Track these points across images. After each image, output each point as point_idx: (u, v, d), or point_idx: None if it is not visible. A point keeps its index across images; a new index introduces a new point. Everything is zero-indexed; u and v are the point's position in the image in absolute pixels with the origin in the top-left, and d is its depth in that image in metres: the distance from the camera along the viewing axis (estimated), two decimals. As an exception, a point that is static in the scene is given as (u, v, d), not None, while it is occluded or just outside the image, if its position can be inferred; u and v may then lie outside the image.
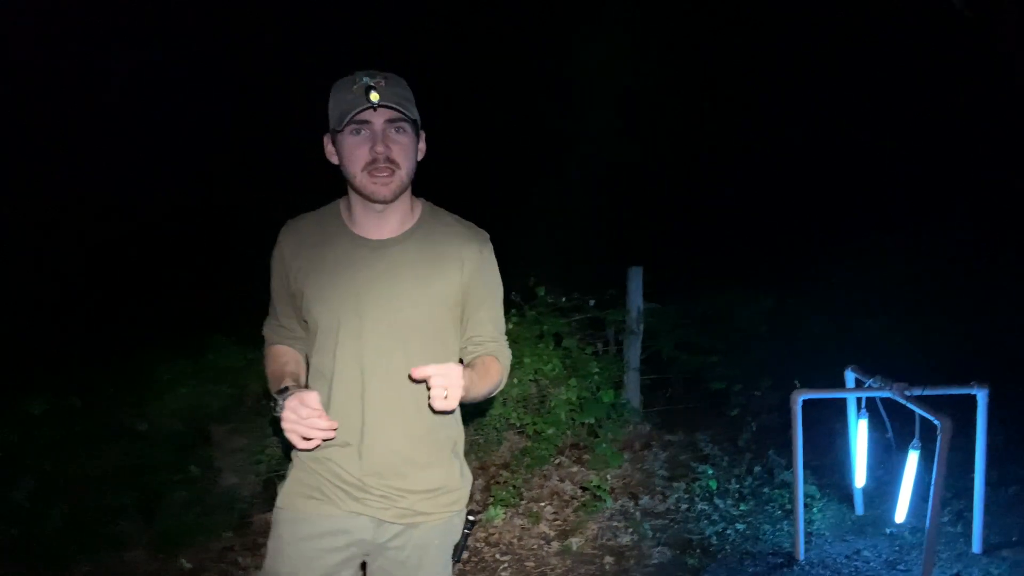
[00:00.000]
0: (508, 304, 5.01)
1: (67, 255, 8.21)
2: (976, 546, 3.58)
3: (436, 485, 1.76)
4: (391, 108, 1.61)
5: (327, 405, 1.68)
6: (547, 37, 9.98)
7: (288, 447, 1.67)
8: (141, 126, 9.47)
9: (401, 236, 1.73)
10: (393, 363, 1.68)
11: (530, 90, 9.94)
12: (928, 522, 3.10)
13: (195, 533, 3.81)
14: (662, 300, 5.49)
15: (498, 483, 4.34)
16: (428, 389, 1.49)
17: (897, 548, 3.67)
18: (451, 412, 1.63)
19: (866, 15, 9.39)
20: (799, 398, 3.50)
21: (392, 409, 1.70)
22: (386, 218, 1.72)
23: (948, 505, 3.95)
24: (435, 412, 1.52)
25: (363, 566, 1.84)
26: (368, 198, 1.66)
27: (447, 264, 1.72)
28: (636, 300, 5.35)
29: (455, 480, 1.81)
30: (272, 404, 1.63)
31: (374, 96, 1.58)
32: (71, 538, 3.67)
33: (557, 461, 4.64)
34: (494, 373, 1.75)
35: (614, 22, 9.57)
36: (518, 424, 4.71)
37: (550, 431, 4.62)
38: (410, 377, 1.51)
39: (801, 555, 3.62)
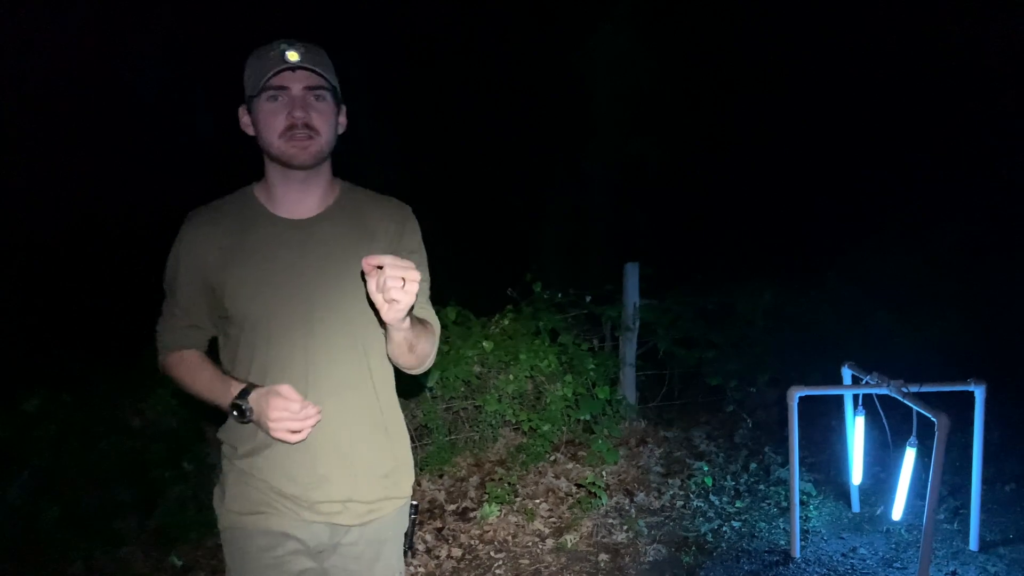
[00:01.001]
0: (505, 300, 5.03)
1: (63, 251, 8.19)
2: (973, 543, 3.58)
3: (387, 480, 1.72)
4: (311, 71, 1.54)
5: None
6: (546, 32, 9.94)
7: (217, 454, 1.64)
8: (153, 123, 9.46)
9: (325, 213, 1.66)
10: (338, 346, 1.62)
11: (529, 85, 9.91)
12: (925, 519, 3.09)
13: (189, 530, 3.79)
14: (659, 296, 5.47)
15: (493, 480, 4.33)
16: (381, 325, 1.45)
17: (894, 545, 3.66)
18: (404, 317, 1.44)
19: (869, 10, 9.37)
20: (795, 394, 3.49)
21: (340, 399, 1.63)
22: (308, 193, 1.65)
23: (944, 502, 3.94)
24: (388, 316, 1.39)
25: None
26: (287, 164, 1.58)
27: (372, 240, 1.66)
28: (632, 296, 5.34)
29: (403, 468, 1.78)
30: (233, 410, 1.56)
31: (292, 56, 1.52)
32: (65, 535, 3.66)
33: (552, 458, 4.63)
34: (429, 331, 1.66)
35: (611, 15, 9.55)
36: (514, 420, 4.70)
37: (546, 427, 4.61)
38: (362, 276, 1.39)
39: (797, 552, 3.61)
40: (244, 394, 1.54)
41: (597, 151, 9.68)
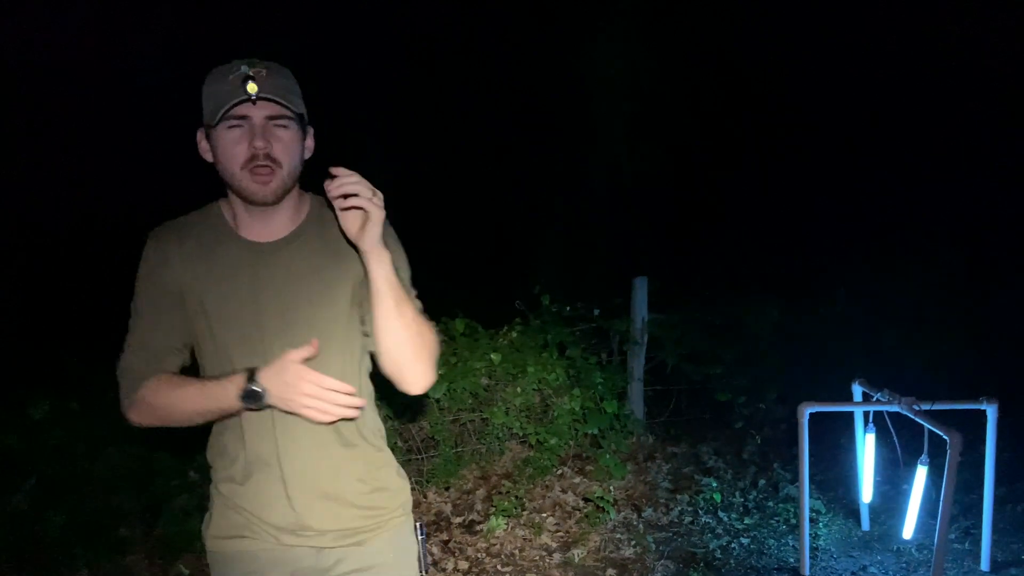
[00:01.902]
0: (513, 313, 5.02)
1: (69, 256, 8.21)
2: (984, 564, 3.54)
3: (370, 499, 1.64)
4: (272, 101, 1.45)
5: (229, 438, 1.58)
6: (553, 41, 9.98)
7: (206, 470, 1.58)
8: (153, 122, 9.49)
9: (292, 235, 1.58)
10: None
11: (538, 95, 9.94)
12: (936, 539, 3.06)
13: (194, 539, 3.76)
14: (668, 310, 5.46)
15: (500, 493, 4.31)
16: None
17: (904, 565, 3.63)
18: (382, 253, 1.43)
19: (878, 23, 9.39)
20: (806, 411, 3.47)
21: (312, 428, 1.53)
22: (273, 219, 1.56)
23: (955, 522, 3.91)
24: (366, 237, 1.38)
25: None
26: (248, 199, 1.50)
27: (345, 258, 1.56)
28: (641, 310, 5.33)
29: (389, 490, 1.69)
30: (247, 398, 1.43)
31: (251, 87, 1.42)
32: (71, 543, 3.65)
33: (560, 472, 4.60)
34: (424, 318, 1.57)
35: (621, 29, 9.58)
36: (520, 434, 4.68)
37: (553, 441, 4.59)
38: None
39: (807, 570, 3.58)
40: (252, 377, 1.43)
41: (605, 162, 9.69)
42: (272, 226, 1.57)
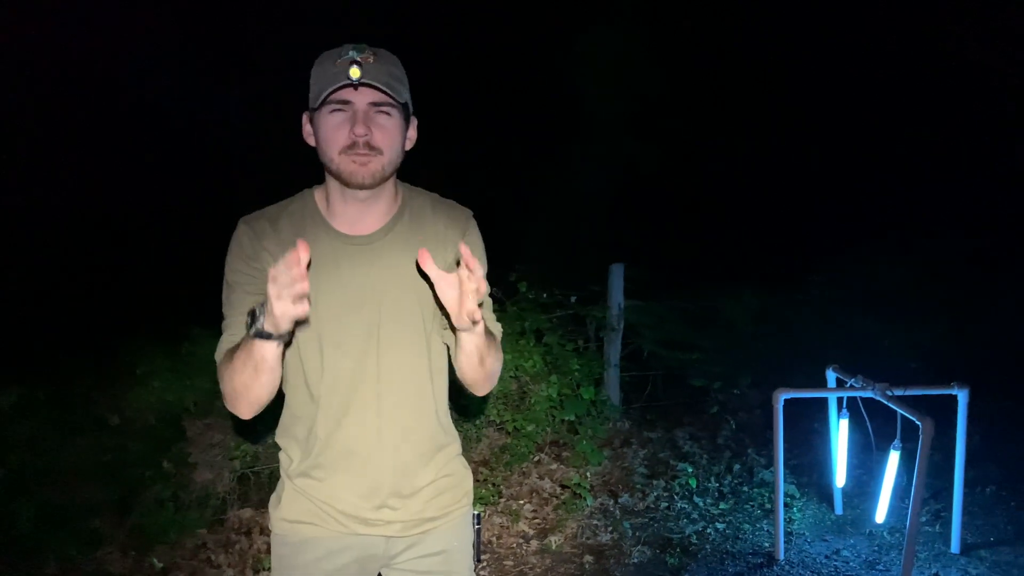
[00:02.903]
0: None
1: (39, 243, 8.06)
2: (954, 546, 3.60)
3: (440, 489, 1.66)
4: (376, 88, 1.42)
5: (311, 428, 1.57)
6: (535, 28, 9.92)
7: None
8: (120, 114, 9.34)
9: (386, 227, 1.57)
10: (403, 364, 1.56)
11: (518, 82, 9.88)
12: (908, 522, 3.10)
13: (168, 530, 3.72)
14: (645, 297, 5.47)
15: (477, 480, 4.30)
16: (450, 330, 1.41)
17: (876, 548, 3.68)
18: (476, 323, 1.41)
19: (859, 17, 9.44)
20: (781, 397, 3.50)
21: (403, 421, 1.58)
22: (369, 210, 1.55)
23: (926, 505, 3.97)
24: (461, 320, 1.36)
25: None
26: (345, 182, 1.48)
27: (436, 252, 1.54)
28: (617, 297, 5.34)
29: (461, 483, 1.72)
30: (248, 321, 1.38)
31: (355, 72, 1.39)
32: (40, 535, 3.58)
33: (537, 458, 4.61)
34: (497, 345, 1.63)
35: (603, 16, 9.54)
36: (498, 421, 4.67)
37: (530, 428, 4.59)
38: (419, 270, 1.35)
39: (781, 554, 3.62)
40: (255, 312, 1.38)
41: (585, 151, 9.67)
42: (367, 218, 1.56)
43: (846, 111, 10.09)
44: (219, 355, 1.55)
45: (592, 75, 9.61)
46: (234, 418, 1.78)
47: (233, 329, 1.53)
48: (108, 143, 9.18)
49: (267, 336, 1.36)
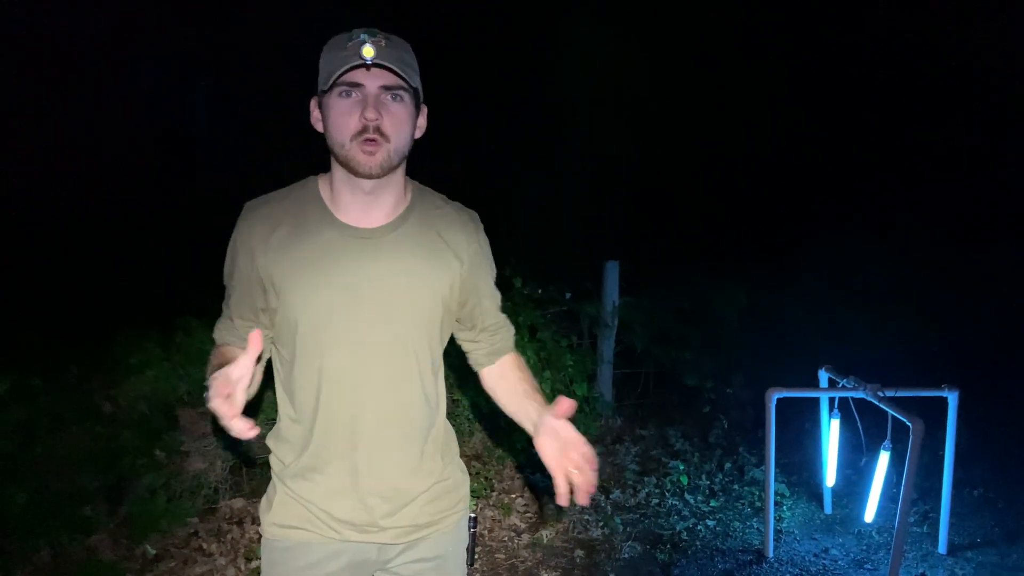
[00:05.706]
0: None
1: (33, 232, 8.03)
2: (942, 547, 3.63)
3: (436, 494, 1.62)
4: (388, 70, 1.37)
5: (304, 430, 1.53)
6: (526, 25, 9.92)
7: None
8: (112, 106, 9.31)
9: (393, 223, 1.51)
10: (395, 366, 1.51)
11: (510, 79, 9.88)
12: (897, 522, 3.13)
13: (160, 519, 3.73)
14: (638, 294, 5.49)
15: (470, 474, 4.30)
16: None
17: (865, 547, 3.71)
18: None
19: (859, 17, 9.46)
20: (773, 396, 3.52)
21: (389, 428, 1.53)
22: (376, 203, 1.49)
23: (915, 505, 4.00)
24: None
25: None
26: (353, 170, 1.42)
27: (445, 254, 1.54)
28: (612, 294, 5.35)
29: (456, 488, 1.69)
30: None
31: (367, 51, 1.34)
32: (32, 522, 3.58)
33: (529, 453, 4.62)
34: (531, 378, 1.70)
35: (592, 13, 9.55)
36: (490, 415, 4.68)
37: (523, 423, 4.60)
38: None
39: (770, 552, 3.65)
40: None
41: (577, 147, 9.68)
42: (373, 211, 1.50)
43: (843, 110, 10.14)
44: (217, 336, 1.57)
45: (587, 72, 9.63)
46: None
47: (232, 310, 1.54)
48: (102, 135, 9.15)
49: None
